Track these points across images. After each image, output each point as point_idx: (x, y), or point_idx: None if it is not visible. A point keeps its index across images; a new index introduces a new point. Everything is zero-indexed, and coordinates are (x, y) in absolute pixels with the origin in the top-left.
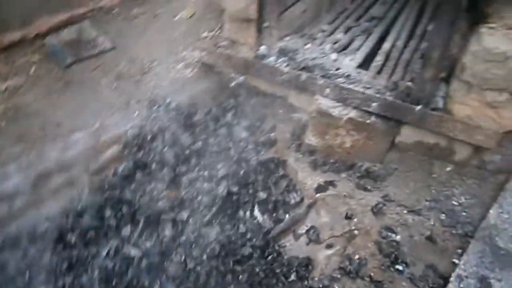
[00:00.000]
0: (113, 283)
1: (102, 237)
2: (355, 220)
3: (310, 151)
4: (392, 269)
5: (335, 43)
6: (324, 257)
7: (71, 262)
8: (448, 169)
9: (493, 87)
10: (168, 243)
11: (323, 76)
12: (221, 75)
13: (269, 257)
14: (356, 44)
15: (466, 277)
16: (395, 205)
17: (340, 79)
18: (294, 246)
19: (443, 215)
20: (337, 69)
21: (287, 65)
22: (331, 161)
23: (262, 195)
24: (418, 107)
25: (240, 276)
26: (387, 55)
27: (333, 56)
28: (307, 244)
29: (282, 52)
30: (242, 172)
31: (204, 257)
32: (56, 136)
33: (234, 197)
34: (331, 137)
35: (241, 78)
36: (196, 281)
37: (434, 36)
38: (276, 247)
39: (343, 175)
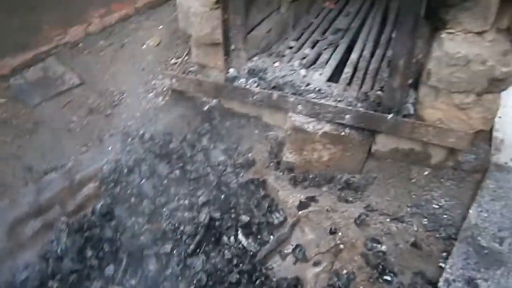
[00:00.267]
0: None
1: (85, 280)
2: (340, 234)
3: (289, 168)
4: (381, 281)
5: (303, 58)
6: (312, 275)
7: None
8: (426, 173)
9: (460, 90)
10: (153, 279)
11: (294, 93)
12: (193, 100)
13: (257, 282)
14: (323, 57)
15: (454, 280)
16: (378, 214)
17: (311, 95)
18: (281, 267)
19: (425, 219)
20: (308, 85)
21: (258, 85)
22: (311, 176)
23: (244, 218)
24: (390, 116)
25: None
26: (355, 66)
27: (303, 72)
28: (294, 263)
29: (252, 73)
30: (222, 196)
31: None
32: (29, 180)
33: (217, 223)
34: (308, 152)
35: (214, 101)
36: None
37: (398, 44)
38: (264, 270)
39: (324, 188)
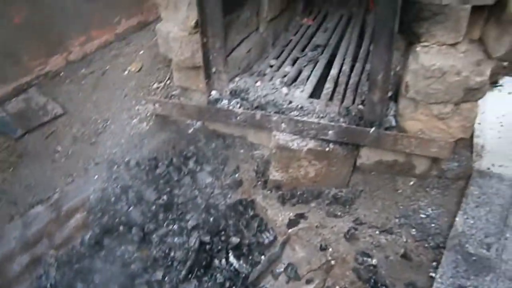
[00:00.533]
0: None
1: None
2: (330, 249)
3: (277, 186)
4: None
5: (284, 76)
6: None
7: None
8: (411, 183)
9: (437, 101)
10: None
11: (277, 112)
12: (177, 124)
13: None
14: (304, 74)
15: None
16: (367, 227)
17: (294, 112)
18: (274, 287)
19: (414, 229)
20: (290, 103)
21: (241, 106)
22: (299, 193)
23: (235, 240)
24: (372, 129)
25: None
26: (335, 81)
27: (284, 90)
28: (287, 282)
29: (234, 94)
30: (211, 219)
31: None
32: (15, 214)
33: (207, 247)
34: (295, 169)
35: (198, 124)
36: None
37: (375, 59)
38: None
39: (312, 204)
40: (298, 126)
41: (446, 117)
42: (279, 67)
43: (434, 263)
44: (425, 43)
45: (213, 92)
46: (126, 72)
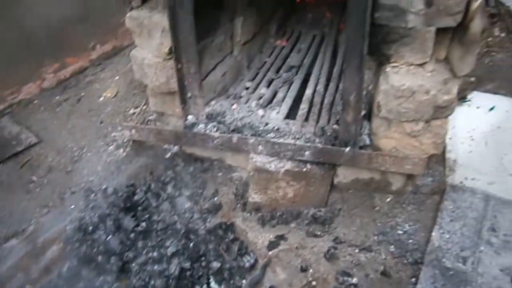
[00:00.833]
0: None
1: None
2: (311, 270)
3: (256, 208)
4: None
5: (260, 98)
6: None
7: None
8: (388, 199)
9: (409, 119)
10: None
11: (253, 135)
12: (154, 149)
13: None
14: (279, 96)
15: None
16: (347, 246)
17: (271, 134)
18: None
19: (392, 246)
20: (266, 125)
21: (217, 130)
22: (278, 214)
23: (215, 265)
24: (347, 149)
25: None
26: (310, 102)
27: (260, 112)
28: None
29: (210, 118)
30: (191, 245)
31: None
32: None
33: (188, 273)
34: (273, 191)
35: (175, 148)
36: None
37: (347, 81)
38: None
39: (292, 225)
40: (274, 148)
41: (418, 135)
42: (255, 89)
43: (413, 279)
44: (394, 64)
45: (189, 117)
46: (101, 98)
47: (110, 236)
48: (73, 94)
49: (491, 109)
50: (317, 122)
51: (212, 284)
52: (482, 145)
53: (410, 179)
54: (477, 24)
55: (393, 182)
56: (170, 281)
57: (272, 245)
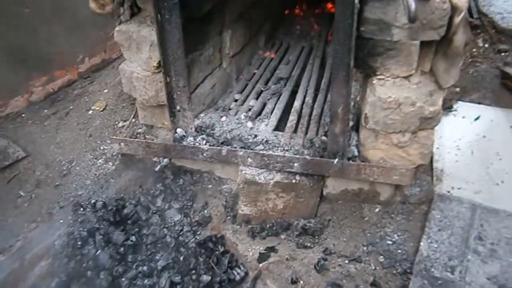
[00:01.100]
0: None
1: None
2: (301, 282)
3: (246, 221)
4: None
5: (249, 110)
6: None
7: None
8: (377, 210)
9: (396, 130)
10: None
11: (243, 147)
12: (144, 162)
13: None
14: (268, 107)
15: None
16: (336, 257)
17: (260, 146)
18: None
19: (381, 257)
20: (255, 137)
21: (207, 142)
22: (268, 226)
23: (206, 278)
24: (336, 160)
25: None
26: (299, 113)
27: (249, 124)
28: None
29: (200, 130)
30: (182, 258)
31: None
32: None
33: (178, 287)
34: (263, 203)
35: (165, 161)
36: None
37: (334, 93)
38: None
39: (282, 236)
40: (264, 160)
41: (405, 145)
42: (244, 101)
43: None
44: (381, 76)
45: (179, 130)
46: (90, 112)
47: (99, 251)
48: (61, 107)
49: (477, 118)
50: (306, 133)
51: None
52: (468, 154)
53: (398, 189)
54: (460, 38)
55: (382, 192)
56: None
57: (262, 257)
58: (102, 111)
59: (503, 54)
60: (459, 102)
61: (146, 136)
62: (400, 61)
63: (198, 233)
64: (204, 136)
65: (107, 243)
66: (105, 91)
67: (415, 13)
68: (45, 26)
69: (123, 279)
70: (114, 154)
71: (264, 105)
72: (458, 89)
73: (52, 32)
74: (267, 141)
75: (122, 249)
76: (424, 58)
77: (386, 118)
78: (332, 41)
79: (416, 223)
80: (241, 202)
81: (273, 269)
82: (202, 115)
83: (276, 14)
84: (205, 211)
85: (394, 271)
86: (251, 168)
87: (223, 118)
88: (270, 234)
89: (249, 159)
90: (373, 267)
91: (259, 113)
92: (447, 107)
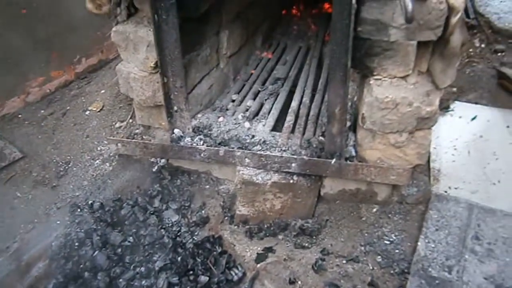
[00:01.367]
0: None
1: None
2: (299, 282)
3: (243, 221)
4: None
5: (246, 110)
6: None
7: None
8: (375, 210)
9: (393, 131)
10: None
11: (240, 147)
12: (141, 162)
13: None
14: (266, 108)
15: None
16: (334, 257)
17: (257, 147)
18: None
19: (379, 257)
20: (253, 137)
21: (204, 143)
22: (266, 226)
23: (203, 279)
24: (333, 161)
25: None
26: (296, 114)
27: (247, 124)
28: None
29: (197, 131)
30: (179, 259)
31: None
32: None
33: None
34: (260, 203)
35: (162, 161)
36: None
37: (331, 94)
38: None
39: (280, 237)
40: (261, 160)
41: (402, 145)
42: (241, 102)
43: None
44: (378, 77)
45: (176, 130)
46: (87, 112)
47: (96, 252)
48: (58, 108)
49: (473, 118)
50: (303, 134)
51: None
52: (465, 154)
53: (395, 190)
54: (457, 38)
55: (379, 192)
56: None
57: (260, 258)
58: (99, 111)
59: (499, 54)
60: (456, 102)
61: (144, 137)
62: (397, 62)
63: (196, 233)
64: (201, 136)
65: (104, 244)
66: (102, 91)
67: (413, 14)
68: (42, 27)
69: (120, 280)
70: (111, 154)
71: (262, 105)
72: (455, 89)
73: (48, 33)
74: (264, 141)
75: (119, 250)
76: (421, 58)
77: (383, 118)
78: (329, 41)
79: (413, 223)
80: (239, 203)
81: (271, 269)
82: (199, 115)
83: (273, 15)
84: (203, 211)
85: (392, 271)
86: (248, 168)
87: (221, 119)
88: (267, 234)
89: (246, 159)
90: (371, 267)
91: (257, 114)
92: (444, 107)
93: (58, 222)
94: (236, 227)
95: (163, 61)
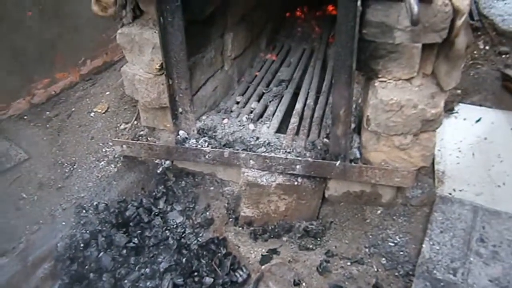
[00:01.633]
0: None
1: None
2: (304, 284)
3: (248, 223)
4: None
5: (251, 112)
6: None
7: None
8: (379, 212)
9: (398, 133)
10: None
11: (245, 149)
12: (146, 164)
13: None
14: (270, 110)
15: None
16: (339, 259)
17: (262, 149)
18: None
19: (384, 259)
20: (257, 139)
21: (209, 145)
22: (270, 228)
23: (208, 280)
24: (338, 163)
25: None
26: (301, 116)
27: (251, 126)
28: None
29: (202, 132)
30: (184, 260)
31: None
32: None
33: None
34: (265, 205)
35: (167, 163)
36: None
37: (336, 95)
38: None
39: (284, 239)
40: (266, 162)
41: (407, 148)
42: (246, 104)
43: None
44: (383, 79)
45: (181, 132)
46: (92, 114)
47: (102, 253)
48: (63, 109)
49: (478, 120)
50: (308, 136)
51: None
52: (469, 156)
53: (400, 192)
54: (462, 40)
55: (383, 194)
56: None
57: (264, 259)
58: (104, 113)
59: (504, 56)
60: (461, 104)
61: (148, 138)
62: (402, 64)
63: (200, 235)
64: (206, 138)
65: (109, 245)
66: (107, 93)
67: (418, 16)
68: (47, 29)
69: (125, 281)
70: (116, 156)
71: (266, 107)
72: (459, 91)
73: (54, 35)
74: (269, 143)
75: (124, 251)
76: (426, 60)
77: (388, 121)
78: (334, 43)
79: (418, 225)
80: (243, 204)
81: (276, 271)
82: (204, 117)
83: (277, 17)
84: (207, 213)
85: (396, 273)
86: (253, 170)
87: (225, 120)
88: (272, 236)
89: (251, 161)
90: (375, 269)
91: (261, 115)
92: (449, 109)
93: (64, 223)
94: (240, 228)
95: (168, 63)
